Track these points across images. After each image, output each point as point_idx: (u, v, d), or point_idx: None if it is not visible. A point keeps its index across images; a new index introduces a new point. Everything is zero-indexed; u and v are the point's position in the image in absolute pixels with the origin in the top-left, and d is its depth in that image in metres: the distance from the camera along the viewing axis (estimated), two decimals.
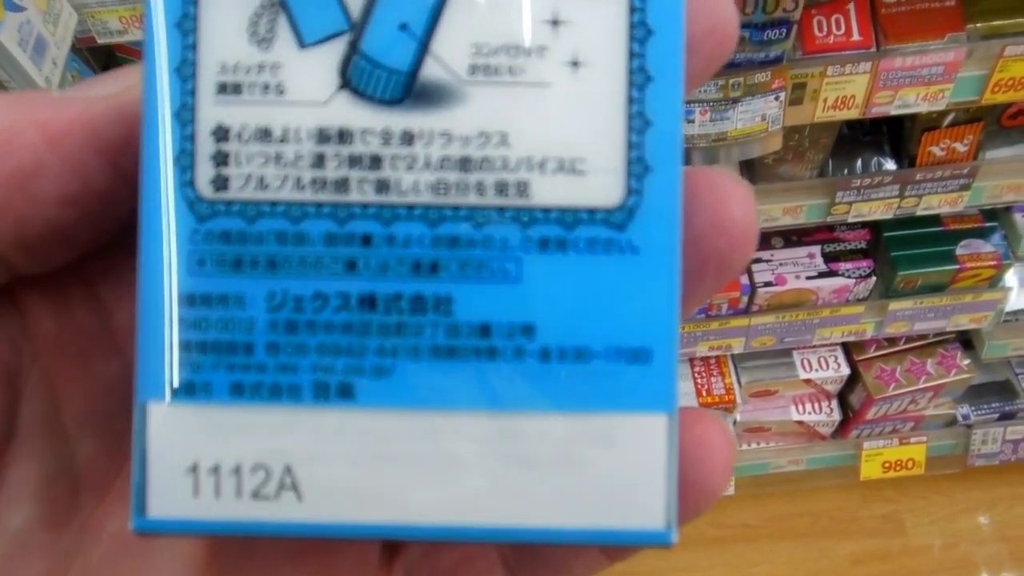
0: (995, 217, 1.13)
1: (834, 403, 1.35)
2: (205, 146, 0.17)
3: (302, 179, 0.17)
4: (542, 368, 0.17)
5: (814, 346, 1.26)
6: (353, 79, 0.17)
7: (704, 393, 1.28)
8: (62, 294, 0.19)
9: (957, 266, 1.10)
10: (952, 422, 1.38)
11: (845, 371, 1.27)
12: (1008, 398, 1.38)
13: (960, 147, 0.99)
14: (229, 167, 0.17)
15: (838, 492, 1.44)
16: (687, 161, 0.90)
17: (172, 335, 0.17)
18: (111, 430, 0.19)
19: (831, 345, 1.27)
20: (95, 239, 0.19)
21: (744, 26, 0.79)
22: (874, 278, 1.13)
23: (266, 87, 0.17)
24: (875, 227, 1.14)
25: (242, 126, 0.17)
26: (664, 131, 0.17)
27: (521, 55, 0.17)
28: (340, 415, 0.17)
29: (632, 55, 0.17)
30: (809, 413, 1.35)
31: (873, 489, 1.44)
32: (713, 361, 1.30)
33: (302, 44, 0.17)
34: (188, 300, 0.17)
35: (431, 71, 0.17)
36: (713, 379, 1.29)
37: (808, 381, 1.29)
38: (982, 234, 1.12)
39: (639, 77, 0.17)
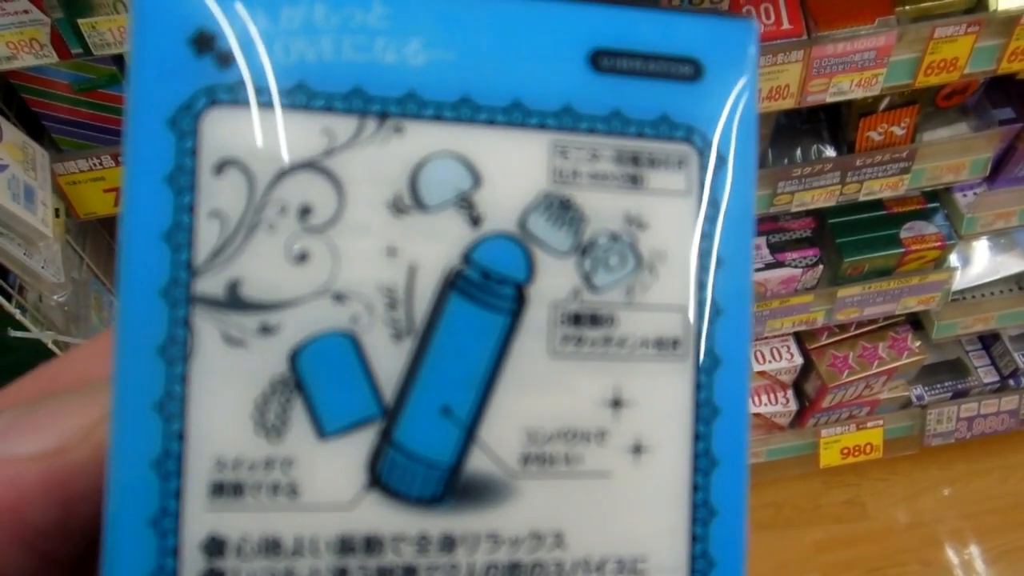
0: (936, 198, 1.13)
1: (789, 393, 1.34)
2: (193, 563, 0.14)
3: None
4: None
5: (766, 337, 1.25)
6: (384, 475, 0.15)
7: None
8: None
9: (902, 249, 1.09)
10: (907, 404, 1.38)
11: (798, 360, 1.26)
12: (960, 376, 1.39)
13: (898, 131, 0.98)
14: None
15: (799, 481, 1.44)
16: None
17: None
18: None
19: (783, 335, 1.26)
20: None
21: None
22: (821, 266, 1.12)
23: (275, 488, 0.14)
24: (819, 215, 1.13)
25: (243, 537, 0.14)
26: (729, 521, 0.16)
27: (579, 441, 0.15)
28: None
29: (698, 437, 0.16)
30: (765, 405, 1.34)
31: (833, 475, 1.44)
32: None
33: (322, 434, 0.14)
34: None
35: (477, 463, 0.15)
36: None
37: (763, 373, 1.28)
38: (925, 216, 1.12)
39: (704, 462, 0.16)
